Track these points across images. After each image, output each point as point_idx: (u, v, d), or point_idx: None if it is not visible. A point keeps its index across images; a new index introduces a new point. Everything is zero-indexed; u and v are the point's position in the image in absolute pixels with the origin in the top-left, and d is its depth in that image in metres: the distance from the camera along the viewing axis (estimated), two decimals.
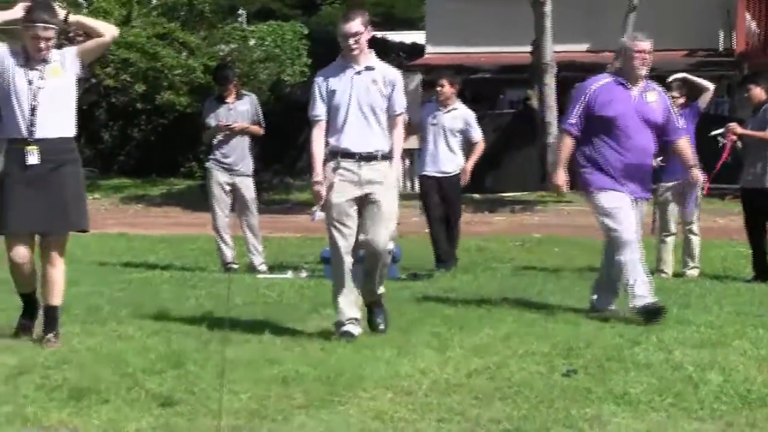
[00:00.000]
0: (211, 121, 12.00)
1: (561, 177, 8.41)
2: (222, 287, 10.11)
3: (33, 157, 6.08)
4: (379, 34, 34.43)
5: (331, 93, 6.89)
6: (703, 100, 12.02)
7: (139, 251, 13.90)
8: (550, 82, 24.90)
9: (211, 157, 12.16)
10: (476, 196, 23.80)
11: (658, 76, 22.92)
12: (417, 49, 33.50)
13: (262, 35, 27.89)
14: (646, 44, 8.27)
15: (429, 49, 32.38)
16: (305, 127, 24.38)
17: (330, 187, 6.85)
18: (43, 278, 6.47)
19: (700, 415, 5.58)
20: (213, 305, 8.96)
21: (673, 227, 11.76)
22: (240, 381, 6.11)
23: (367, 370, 6.54)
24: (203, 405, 5.58)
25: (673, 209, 11.77)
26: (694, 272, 11.65)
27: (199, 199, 17.43)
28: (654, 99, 8.40)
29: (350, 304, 7.24)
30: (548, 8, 22.02)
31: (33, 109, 6.09)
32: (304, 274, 11.55)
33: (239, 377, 6.20)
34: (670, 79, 12.19)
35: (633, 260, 8.22)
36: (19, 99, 6.11)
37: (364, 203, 6.95)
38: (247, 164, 12.16)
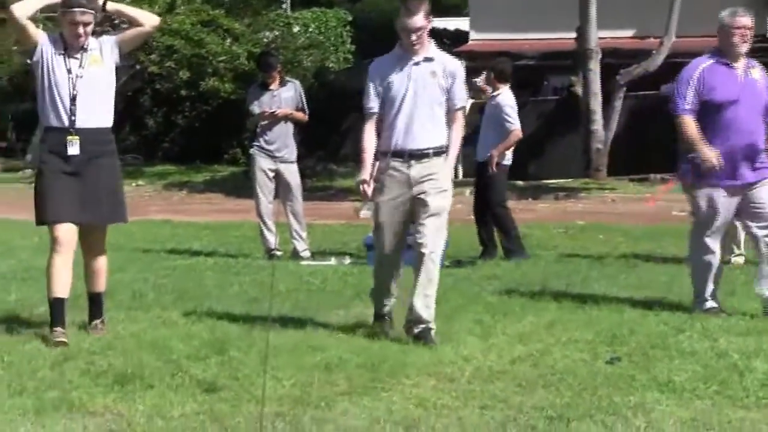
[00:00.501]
0: (255, 107, 11.98)
1: (709, 151, 7.48)
2: (265, 274, 10.14)
3: (74, 148, 5.98)
4: None
5: (387, 85, 6.25)
6: None
7: (183, 238, 13.96)
8: (595, 68, 24.69)
9: (255, 143, 12.15)
10: (520, 183, 23.66)
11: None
12: (461, 36, 33.38)
13: (306, 22, 27.94)
14: (746, 19, 7.71)
15: (473, 35, 32.22)
16: (349, 113, 24.49)
17: (379, 187, 6.28)
18: (86, 268, 6.40)
19: (746, 403, 5.55)
20: (257, 292, 9.00)
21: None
22: (283, 367, 6.14)
23: (410, 357, 6.55)
24: (247, 391, 5.61)
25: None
26: (740, 259, 11.56)
27: (243, 186, 17.48)
28: (759, 76, 7.88)
29: (385, 300, 6.99)
30: None
31: (73, 99, 5.98)
32: (347, 260, 11.57)
33: (282, 364, 6.23)
34: None
35: (708, 259, 7.95)
36: (58, 88, 6.01)
37: (414, 203, 6.30)
38: (291, 151, 12.15)
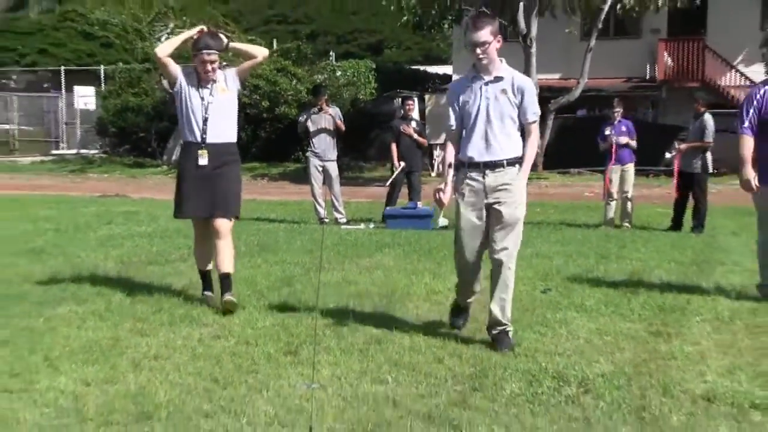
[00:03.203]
0: (310, 124, 12.05)
1: (750, 173, 6.05)
2: (317, 234, 10.18)
3: (203, 159, 5.64)
4: (421, 67, 34.46)
5: (463, 104, 4.85)
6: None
7: (264, 210, 13.94)
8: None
9: (309, 148, 12.20)
10: None
11: (607, 96, 22.66)
12: (447, 78, 33.30)
13: (345, 69, 27.88)
14: None
15: (455, 77, 32.19)
16: (373, 128, 24.36)
17: (459, 195, 4.87)
18: (216, 252, 5.85)
19: (631, 318, 5.59)
20: (312, 246, 9.02)
21: (615, 195, 11.62)
22: (330, 295, 6.17)
23: (413, 288, 6.57)
24: (306, 311, 5.64)
25: (615, 183, 11.64)
26: (628, 225, 11.52)
27: (302, 177, 17.38)
28: None
29: (466, 296, 5.09)
30: (533, 49, 21.71)
31: (205, 120, 5.65)
32: (371, 226, 11.54)
33: (329, 292, 6.27)
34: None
35: None
36: (194, 111, 5.68)
37: (490, 212, 4.77)
38: (333, 153, 12.15)
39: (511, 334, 4.78)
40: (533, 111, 4.80)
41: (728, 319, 5.57)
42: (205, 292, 5.95)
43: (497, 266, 4.75)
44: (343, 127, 12.14)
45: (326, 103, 12.30)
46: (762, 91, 5.94)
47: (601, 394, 3.94)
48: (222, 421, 3.56)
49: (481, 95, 4.74)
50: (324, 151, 12.11)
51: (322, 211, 12.08)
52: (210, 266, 5.97)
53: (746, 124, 6.02)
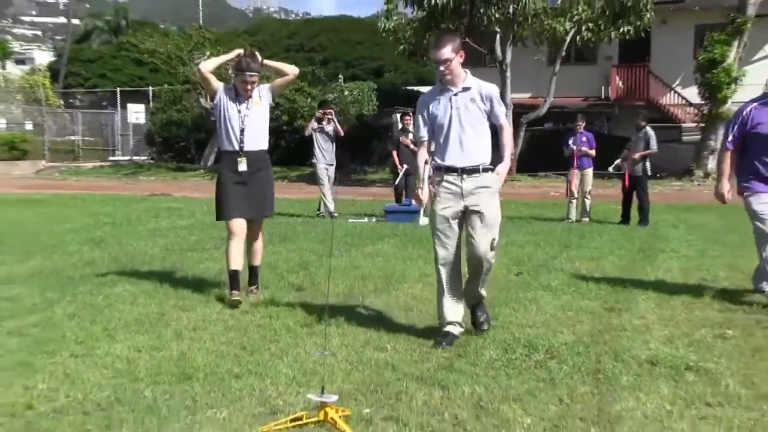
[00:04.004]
0: (315, 133, 12.13)
1: (725, 187, 5.50)
2: (328, 225, 10.17)
3: (243, 165, 5.29)
4: (414, 88, 34.35)
5: (433, 116, 4.31)
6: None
7: (285, 207, 13.87)
8: (509, 114, 24.58)
9: (316, 154, 12.15)
10: None
11: (569, 112, 22.61)
12: None
13: (351, 89, 27.80)
14: None
15: None
16: (374, 139, 24.31)
17: (435, 199, 4.32)
18: (249, 248, 5.49)
19: (590, 297, 5.57)
20: (324, 236, 9.01)
21: (576, 194, 11.63)
22: (339, 278, 6.15)
23: (407, 271, 6.56)
24: (319, 291, 5.63)
25: (576, 184, 11.65)
26: (587, 219, 11.53)
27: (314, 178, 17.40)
28: None
29: (451, 308, 4.35)
30: (508, 73, 21.64)
31: (242, 131, 5.30)
32: (374, 219, 11.52)
33: (338, 276, 6.25)
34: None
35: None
36: (232, 123, 5.32)
37: (467, 213, 4.25)
38: (333, 158, 12.18)
39: (485, 302, 4.44)
40: (503, 112, 4.32)
41: (668, 297, 5.57)
42: (233, 292, 5.25)
43: (477, 270, 4.29)
44: (341, 132, 12.19)
45: (330, 113, 12.35)
46: (749, 108, 5.43)
47: (564, 360, 3.94)
48: (249, 381, 3.56)
49: (451, 106, 4.23)
50: (330, 156, 12.11)
51: (332, 206, 12.09)
52: (240, 266, 5.38)
53: (730, 139, 5.49)
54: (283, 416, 3.11)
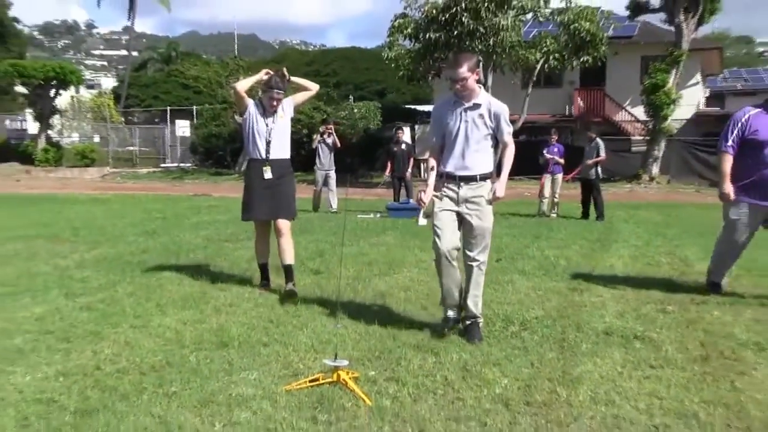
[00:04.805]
0: (318, 145, 12.25)
1: (728, 188, 4.73)
2: (341, 220, 10.14)
3: (268, 173, 4.97)
4: (412, 106, 34.20)
5: (445, 124, 3.88)
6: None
7: (303, 205, 13.77)
8: None
9: (317, 161, 12.23)
10: None
11: (540, 126, 22.47)
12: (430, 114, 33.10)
13: (360, 107, 27.68)
14: None
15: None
16: (378, 148, 24.19)
17: (437, 199, 3.92)
18: (279, 247, 5.03)
19: (556, 279, 5.55)
20: (336, 228, 8.99)
21: (546, 195, 11.64)
22: (349, 264, 6.13)
23: (406, 258, 6.54)
24: (332, 274, 5.61)
25: (547, 186, 11.65)
26: (555, 215, 11.50)
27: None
28: None
29: (448, 296, 3.90)
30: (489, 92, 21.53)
31: (268, 143, 4.98)
32: (378, 215, 11.48)
33: (349, 262, 6.23)
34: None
35: (731, 252, 4.90)
36: (259, 134, 4.99)
37: (463, 220, 3.84)
38: (332, 165, 12.20)
39: (481, 325, 3.88)
40: (508, 132, 3.88)
41: (620, 279, 5.55)
42: (263, 282, 5.08)
43: (470, 269, 3.89)
44: (338, 144, 12.26)
45: (330, 128, 12.42)
46: (747, 116, 4.71)
47: (535, 331, 3.93)
48: (275, 348, 3.55)
49: (461, 118, 3.84)
50: (328, 164, 12.15)
51: (335, 204, 12.18)
52: (266, 260, 5.12)
53: (729, 143, 4.73)
54: (303, 377, 3.11)
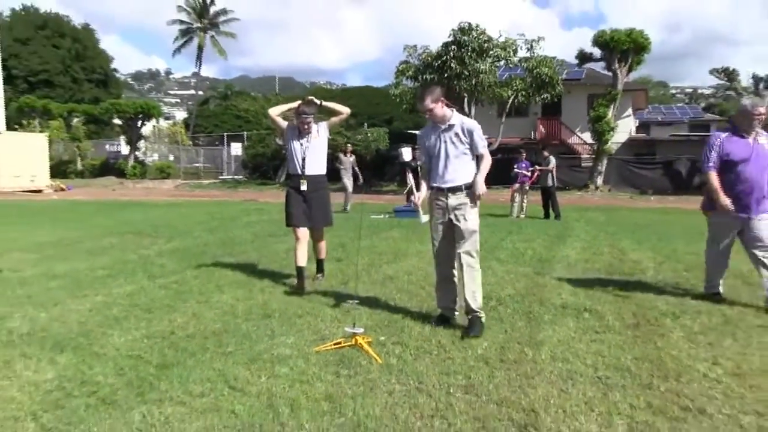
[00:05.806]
0: (340, 166, 12.41)
1: (725, 199, 4.06)
2: (358, 220, 10.11)
3: (304, 186, 4.56)
4: (414, 131, 34.00)
5: (428, 146, 3.55)
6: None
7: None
8: None
9: (342, 173, 12.41)
10: None
11: (511, 147, 22.33)
12: None
13: (372, 132, 27.66)
14: (763, 108, 4.13)
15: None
16: (387, 165, 24.13)
17: (430, 211, 3.60)
18: (315, 247, 4.80)
19: (525, 265, 5.49)
20: (355, 226, 8.97)
21: (516, 200, 11.62)
22: (364, 253, 6.07)
23: (409, 249, 6.49)
24: (351, 262, 5.58)
25: (517, 194, 11.61)
26: (523, 216, 11.43)
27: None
28: (764, 141, 4.15)
29: (443, 296, 3.57)
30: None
31: (303, 160, 4.59)
32: (387, 216, 11.45)
33: (364, 252, 6.18)
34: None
35: (717, 261, 4.23)
36: (296, 153, 4.60)
37: (452, 223, 3.49)
38: (351, 177, 12.38)
39: (483, 319, 3.41)
40: (482, 145, 3.50)
41: (574, 264, 5.51)
42: (297, 287, 4.36)
43: (463, 267, 3.48)
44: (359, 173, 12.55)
45: (349, 148, 12.74)
46: (719, 141, 4.19)
47: (507, 305, 3.91)
48: (307, 319, 3.55)
49: (441, 139, 3.51)
50: (347, 176, 12.35)
51: (349, 206, 12.24)
52: (304, 263, 4.49)
53: (711, 163, 4.18)
54: (329, 341, 3.12)
